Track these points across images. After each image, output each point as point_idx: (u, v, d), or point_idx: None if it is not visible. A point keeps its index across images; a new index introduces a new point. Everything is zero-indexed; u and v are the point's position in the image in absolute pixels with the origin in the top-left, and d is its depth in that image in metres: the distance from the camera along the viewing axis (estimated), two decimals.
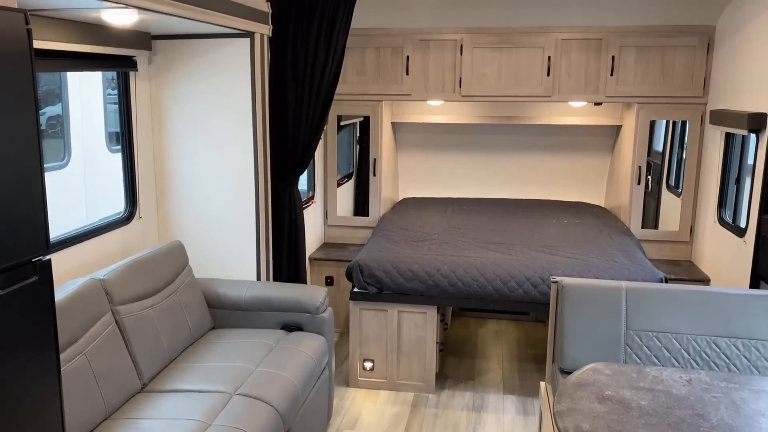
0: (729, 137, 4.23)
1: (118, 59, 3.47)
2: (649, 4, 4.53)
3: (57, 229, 3.10)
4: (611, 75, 4.72)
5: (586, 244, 4.28)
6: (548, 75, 4.79)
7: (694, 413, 2.16)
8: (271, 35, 3.88)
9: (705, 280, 4.41)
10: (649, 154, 4.86)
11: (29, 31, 1.69)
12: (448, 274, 3.91)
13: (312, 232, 4.98)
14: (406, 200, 5.71)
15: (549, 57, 4.76)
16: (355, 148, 5.90)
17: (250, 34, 3.62)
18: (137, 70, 3.63)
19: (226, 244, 3.86)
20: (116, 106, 3.72)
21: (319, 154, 5.13)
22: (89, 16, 2.90)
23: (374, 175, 5.23)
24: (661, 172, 5.42)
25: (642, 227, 4.88)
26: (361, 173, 5.71)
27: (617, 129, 5.42)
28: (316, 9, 3.96)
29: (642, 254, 4.23)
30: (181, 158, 3.83)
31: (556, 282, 3.09)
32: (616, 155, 5.38)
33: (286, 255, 4.25)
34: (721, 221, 4.28)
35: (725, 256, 4.15)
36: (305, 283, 4.43)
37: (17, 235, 1.71)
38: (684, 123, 4.87)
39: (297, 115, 4.10)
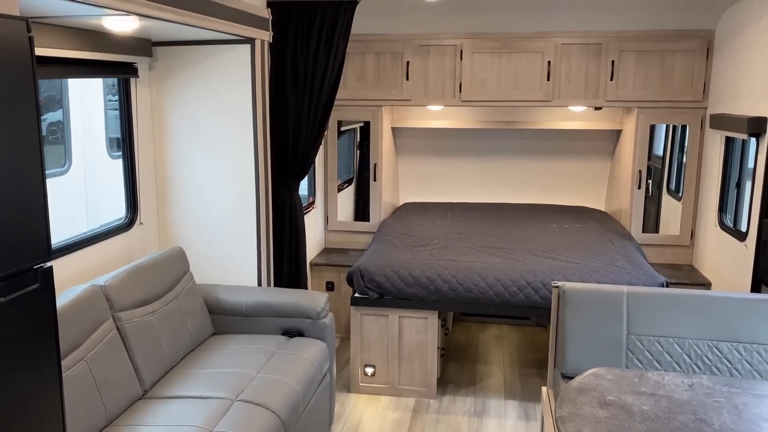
0: (729, 141, 4.24)
1: (118, 66, 3.48)
2: (648, 9, 4.54)
3: (58, 236, 3.11)
4: (611, 79, 4.73)
5: (587, 249, 4.28)
6: (548, 80, 4.80)
7: (696, 418, 2.15)
8: (271, 41, 3.89)
9: (706, 284, 4.40)
10: (649, 158, 4.87)
11: (31, 39, 1.70)
12: (449, 279, 3.91)
13: (312, 237, 4.99)
14: (406, 205, 5.71)
15: (549, 62, 4.77)
16: (355, 153, 5.91)
17: (250, 41, 3.63)
18: (138, 77, 3.63)
19: (226, 249, 3.86)
20: (117, 112, 3.73)
21: (319, 159, 5.14)
22: (90, 23, 2.91)
23: (374, 180, 5.23)
24: (661, 176, 5.42)
25: (643, 231, 4.88)
26: (361, 178, 5.72)
27: (617, 133, 5.43)
28: (317, 15, 3.97)
29: (643, 258, 4.23)
30: (182, 164, 3.84)
31: (557, 287, 3.09)
32: (617, 159, 5.38)
33: (286, 260, 4.25)
34: (722, 225, 4.28)
35: (726, 260, 4.14)
36: (306, 288, 4.43)
37: (18, 242, 1.71)
38: (684, 127, 4.88)
39: (297, 120, 4.11)
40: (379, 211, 5.26)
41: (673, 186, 5.29)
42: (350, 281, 4.08)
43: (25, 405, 1.75)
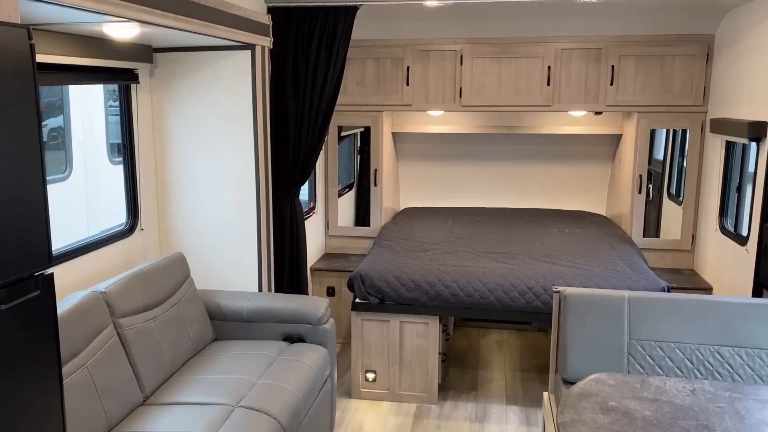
0: (729, 145, 4.24)
1: (119, 72, 3.48)
2: (648, 14, 4.55)
3: (58, 242, 3.11)
4: (611, 84, 4.74)
5: (588, 253, 4.28)
6: (548, 84, 4.81)
7: (698, 424, 2.15)
8: (271, 47, 3.89)
9: (707, 289, 4.40)
10: (649, 163, 4.87)
11: (32, 46, 1.70)
12: (450, 284, 3.91)
13: (313, 242, 4.98)
14: (407, 210, 5.71)
15: (549, 67, 4.78)
16: (356, 159, 5.91)
17: (251, 47, 3.64)
18: (139, 83, 3.64)
19: (227, 255, 3.86)
20: (117, 118, 3.73)
21: (320, 164, 5.14)
22: (91, 30, 2.91)
23: (375, 185, 5.24)
24: (662, 181, 5.42)
25: (643, 236, 4.88)
26: (362, 183, 5.72)
27: (617, 138, 5.43)
28: (317, 21, 3.98)
29: (644, 263, 4.23)
30: (183, 170, 3.84)
31: (558, 292, 3.08)
32: (617, 164, 5.38)
33: (287, 266, 4.25)
34: (723, 229, 4.27)
35: (727, 264, 4.14)
36: (307, 293, 4.43)
37: (19, 248, 1.71)
38: (684, 131, 4.88)
39: (298, 126, 4.12)
40: (379, 216, 5.26)
41: (673, 190, 5.29)
42: (351, 286, 4.08)
43: (26, 412, 1.75)
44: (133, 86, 3.63)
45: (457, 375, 4.56)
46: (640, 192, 4.82)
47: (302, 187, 4.34)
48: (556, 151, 5.62)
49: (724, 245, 4.21)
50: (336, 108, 4.26)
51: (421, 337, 4.03)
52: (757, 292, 3.60)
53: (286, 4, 3.96)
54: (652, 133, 4.89)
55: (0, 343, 1.65)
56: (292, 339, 3.52)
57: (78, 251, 3.22)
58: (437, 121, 5.54)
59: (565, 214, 5.44)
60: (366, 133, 5.30)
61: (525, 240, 4.62)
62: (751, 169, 3.89)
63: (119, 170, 3.75)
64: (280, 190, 4.16)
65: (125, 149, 3.68)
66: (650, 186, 4.99)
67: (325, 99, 4.10)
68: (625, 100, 4.75)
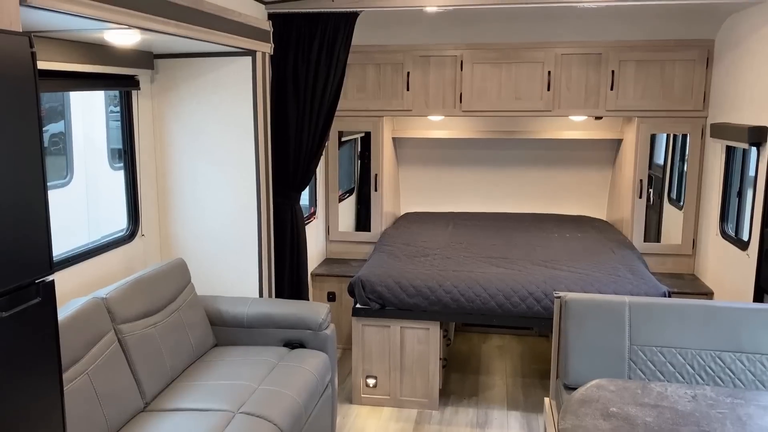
0: (730, 150, 4.24)
1: (120, 78, 3.49)
2: (647, 19, 4.56)
3: (59, 248, 3.11)
4: (611, 89, 4.74)
5: (589, 258, 4.28)
6: (548, 90, 4.81)
7: (699, 430, 2.14)
8: (272, 53, 3.90)
9: (708, 294, 4.39)
10: (650, 167, 4.87)
11: (33, 54, 1.71)
12: (451, 289, 3.90)
13: (314, 247, 4.99)
14: (407, 215, 5.71)
15: (549, 72, 4.79)
16: (356, 164, 5.92)
17: (251, 53, 3.65)
18: (140, 89, 3.65)
19: (228, 261, 3.86)
20: (118, 123, 3.74)
21: (320, 169, 5.15)
22: (92, 37, 2.92)
23: (375, 190, 5.24)
24: (662, 186, 5.42)
25: (644, 240, 4.88)
26: (362, 188, 5.73)
27: (618, 143, 5.43)
28: (317, 27, 3.99)
29: (645, 268, 4.22)
30: (184, 176, 3.85)
31: (559, 297, 3.08)
32: (617, 169, 5.39)
33: (288, 271, 4.25)
34: (724, 234, 4.27)
35: (728, 269, 4.14)
36: (307, 299, 4.43)
37: (20, 256, 1.71)
38: (684, 136, 4.88)
39: (298, 132, 4.12)
40: (380, 221, 5.26)
41: (674, 195, 5.29)
42: (351, 292, 4.07)
43: (27, 418, 1.75)
44: (134, 92, 3.64)
45: (458, 380, 4.55)
46: (640, 197, 4.82)
47: (303, 192, 4.34)
48: (557, 156, 5.62)
49: (725, 250, 4.20)
50: (336, 113, 4.26)
51: (421, 342, 4.02)
52: (758, 297, 3.60)
53: (286, 11, 3.97)
54: (653, 137, 4.90)
55: (0, 350, 1.65)
56: (292, 345, 3.52)
57: (79, 257, 3.22)
58: (437, 126, 5.55)
59: (565, 218, 5.44)
60: (366, 139, 5.31)
61: (526, 245, 4.62)
62: (751, 173, 3.89)
63: (120, 176, 3.76)
64: (281, 196, 4.16)
65: (126, 155, 3.69)
66: (651, 191, 4.99)
67: (325, 105, 4.11)
68: (625, 105, 4.76)
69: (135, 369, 2.86)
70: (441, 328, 4.07)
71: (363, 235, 5.33)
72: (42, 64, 2.73)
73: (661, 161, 5.46)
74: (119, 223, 3.73)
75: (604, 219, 5.57)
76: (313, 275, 4.91)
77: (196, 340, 3.35)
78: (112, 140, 4.58)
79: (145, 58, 3.62)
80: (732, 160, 4.24)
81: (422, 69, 4.94)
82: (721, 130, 4.21)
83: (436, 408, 4.09)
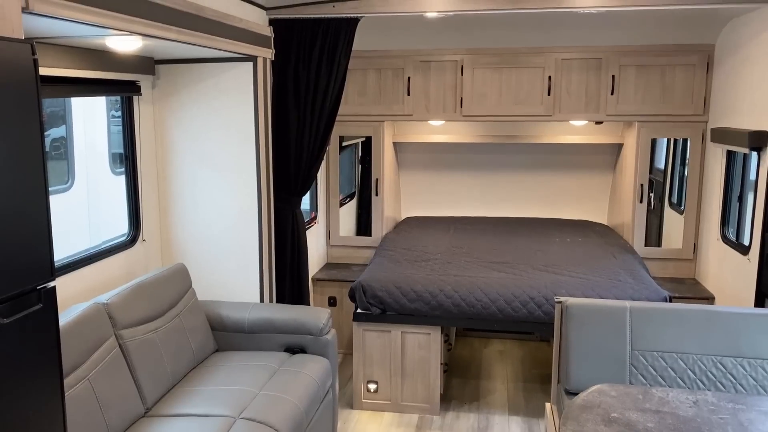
0: (730, 155, 4.24)
1: (122, 84, 3.50)
2: (648, 24, 4.57)
3: (60, 253, 3.11)
4: (611, 94, 4.75)
5: (590, 263, 4.27)
6: (549, 94, 4.82)
7: None
8: (273, 59, 3.91)
9: (709, 298, 4.39)
10: (651, 172, 4.87)
11: (35, 61, 1.72)
12: (452, 294, 3.90)
13: (315, 252, 4.99)
14: (408, 220, 5.71)
15: (549, 77, 4.80)
16: (357, 168, 5.92)
17: (252, 58, 3.66)
18: (141, 95, 3.66)
19: (229, 266, 3.87)
20: (119, 128, 3.75)
21: (321, 174, 5.15)
22: (94, 43, 2.93)
23: (376, 194, 5.24)
24: (663, 190, 5.42)
25: (645, 245, 4.88)
26: (363, 193, 5.72)
27: (618, 147, 5.43)
28: (318, 32, 4.00)
29: (646, 272, 4.22)
30: (185, 181, 3.85)
31: (560, 302, 3.08)
32: (618, 173, 5.39)
33: (289, 276, 4.25)
34: (725, 239, 4.27)
35: (729, 273, 4.13)
36: (308, 304, 4.43)
37: (22, 262, 1.71)
38: (685, 141, 4.89)
39: (299, 137, 4.13)
40: (381, 225, 5.27)
41: (675, 199, 5.29)
42: (352, 297, 4.07)
43: (28, 424, 1.75)
44: (135, 98, 3.65)
45: (459, 385, 4.54)
46: (641, 201, 4.82)
47: (303, 197, 4.34)
48: (557, 160, 5.62)
49: (726, 254, 4.20)
50: (337, 118, 4.27)
51: (422, 347, 4.02)
52: (759, 302, 3.60)
53: (287, 17, 3.98)
54: (653, 142, 4.90)
55: (2, 356, 1.65)
56: (293, 350, 3.52)
57: (80, 262, 3.23)
58: (438, 130, 5.56)
59: (566, 223, 5.44)
60: (367, 143, 5.32)
61: (526, 249, 4.61)
62: (752, 178, 3.89)
63: (121, 181, 3.76)
64: (282, 201, 4.16)
65: (127, 160, 3.69)
66: (651, 195, 4.99)
67: (326, 110, 4.12)
68: (625, 109, 4.76)
69: (136, 374, 2.86)
70: (442, 332, 4.06)
71: (364, 240, 5.33)
72: (44, 70, 2.74)
73: (661, 165, 5.46)
74: (120, 228, 3.74)
75: (605, 223, 5.57)
76: (314, 280, 4.91)
77: (197, 345, 3.35)
78: (114, 145, 4.58)
79: (147, 63, 3.63)
80: (732, 164, 4.24)
81: (423, 74, 4.95)
82: (721, 135, 4.21)
83: (437, 413, 4.09)
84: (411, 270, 4.22)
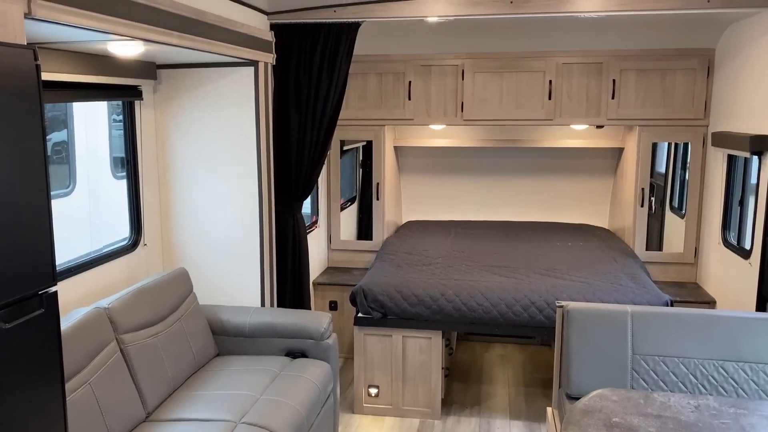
0: (731, 159, 4.24)
1: (123, 89, 3.51)
2: (648, 28, 4.57)
3: (62, 257, 3.11)
4: (612, 98, 4.75)
5: (591, 267, 4.27)
6: (549, 99, 4.83)
7: None
8: (274, 63, 3.92)
9: (711, 302, 4.38)
10: (651, 176, 4.87)
11: (38, 67, 1.72)
12: (453, 298, 3.90)
13: (316, 256, 4.99)
14: (409, 224, 5.71)
15: (550, 81, 4.80)
16: (358, 172, 5.93)
17: (254, 63, 3.67)
18: (142, 99, 3.67)
19: (230, 270, 3.87)
20: (121, 132, 3.75)
21: (322, 178, 5.15)
22: (96, 48, 2.94)
23: (377, 199, 5.25)
24: (664, 194, 5.42)
25: (646, 249, 4.87)
26: (364, 197, 5.73)
27: (619, 151, 5.44)
28: (319, 36, 4.01)
29: (647, 277, 4.22)
30: (186, 186, 3.86)
31: (561, 306, 3.08)
32: (619, 177, 5.39)
33: (290, 280, 4.25)
34: (726, 243, 4.27)
35: (731, 277, 4.13)
36: (309, 308, 4.43)
37: (23, 267, 1.72)
38: (686, 144, 4.89)
39: (300, 142, 4.14)
40: (382, 229, 5.27)
41: (676, 203, 5.29)
42: (353, 301, 4.07)
43: (29, 429, 1.75)
44: (136, 102, 3.66)
45: (461, 390, 4.54)
46: (642, 205, 4.82)
47: (304, 201, 4.34)
48: (558, 164, 5.63)
49: (727, 259, 4.20)
50: (338, 123, 4.28)
51: (423, 351, 4.02)
52: (760, 307, 3.59)
53: (289, 21, 3.99)
54: (654, 146, 4.90)
55: (3, 361, 1.65)
56: (294, 354, 3.52)
57: (81, 267, 3.23)
58: (439, 135, 5.56)
59: (567, 227, 5.44)
60: (368, 147, 5.32)
61: (527, 254, 4.61)
62: (753, 182, 3.89)
63: (122, 185, 3.77)
64: (283, 205, 4.17)
65: (129, 165, 3.70)
66: (652, 199, 4.99)
67: (327, 114, 4.12)
68: (626, 113, 4.77)
69: (137, 379, 2.86)
70: (443, 337, 4.06)
71: (365, 244, 5.33)
72: (46, 75, 2.74)
73: (662, 169, 5.46)
74: (121, 232, 3.74)
75: (606, 227, 5.57)
76: (315, 284, 4.91)
77: (198, 349, 3.35)
78: (115, 149, 4.59)
79: (148, 68, 3.64)
80: (733, 168, 4.24)
81: (423, 78, 4.95)
82: (722, 139, 4.21)
83: (438, 417, 4.08)
84: (412, 274, 4.22)
